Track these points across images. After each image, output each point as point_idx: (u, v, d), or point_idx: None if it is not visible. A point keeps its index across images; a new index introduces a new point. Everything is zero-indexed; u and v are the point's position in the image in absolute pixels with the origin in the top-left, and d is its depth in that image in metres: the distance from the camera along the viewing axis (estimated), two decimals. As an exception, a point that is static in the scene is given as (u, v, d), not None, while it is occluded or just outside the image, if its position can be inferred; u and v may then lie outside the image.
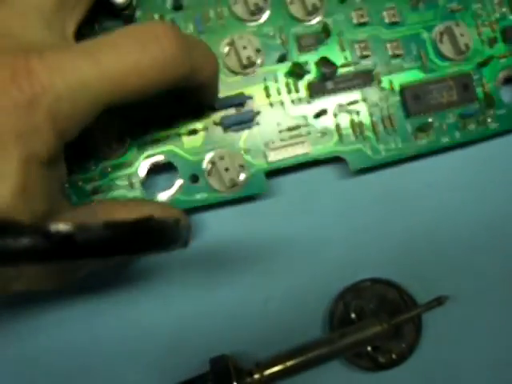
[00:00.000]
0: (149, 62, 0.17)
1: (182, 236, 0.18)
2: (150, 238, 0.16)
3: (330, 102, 0.25)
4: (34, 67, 0.16)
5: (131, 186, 0.24)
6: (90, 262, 0.20)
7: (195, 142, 0.24)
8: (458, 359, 0.25)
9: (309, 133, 0.25)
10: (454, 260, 0.26)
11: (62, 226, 0.14)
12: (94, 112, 0.17)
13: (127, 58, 0.17)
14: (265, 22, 0.25)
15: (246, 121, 0.24)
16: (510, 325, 0.26)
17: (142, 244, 0.16)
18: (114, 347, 0.24)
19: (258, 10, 0.25)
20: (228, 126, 0.24)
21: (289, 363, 0.23)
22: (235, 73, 0.25)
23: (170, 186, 0.24)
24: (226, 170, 0.24)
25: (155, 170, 0.24)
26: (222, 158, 0.24)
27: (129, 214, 0.20)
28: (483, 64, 0.26)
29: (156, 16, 0.24)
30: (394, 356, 0.25)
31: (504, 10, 0.27)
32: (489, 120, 0.26)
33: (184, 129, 0.24)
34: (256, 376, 0.22)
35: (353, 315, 0.25)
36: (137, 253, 0.16)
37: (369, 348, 0.24)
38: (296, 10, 0.25)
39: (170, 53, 0.18)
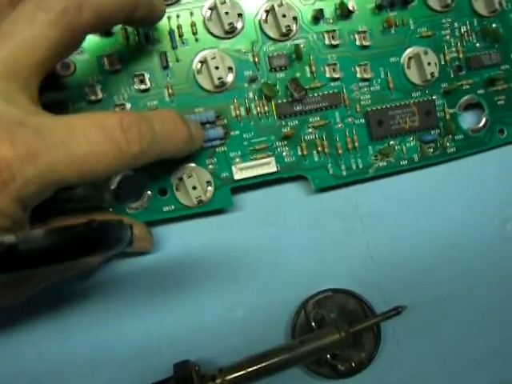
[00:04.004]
0: (115, 154, 0.19)
1: (127, 235, 0.18)
2: (92, 241, 0.16)
3: (296, 123, 0.26)
4: (5, 155, 0.17)
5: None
6: (40, 270, 0.21)
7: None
8: (415, 368, 0.27)
9: (275, 152, 0.26)
10: (413, 272, 0.28)
11: (5, 238, 0.14)
12: (56, 188, 0.19)
13: (97, 148, 0.18)
14: (238, 39, 0.25)
15: (215, 138, 0.25)
16: (467, 334, 0.28)
17: (85, 247, 0.16)
18: (81, 355, 0.26)
19: (232, 29, 0.25)
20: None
21: (250, 369, 0.24)
22: (207, 91, 0.25)
23: (140, 198, 0.25)
24: (194, 188, 0.25)
25: (126, 182, 0.25)
26: (189, 176, 0.25)
27: None
28: (448, 92, 0.27)
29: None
30: (353, 364, 0.26)
31: (471, 39, 0.27)
32: (447, 145, 0.28)
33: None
34: (218, 381, 0.24)
35: (313, 324, 0.26)
36: (82, 256, 0.17)
37: (328, 356, 0.26)
38: (270, 29, 0.26)
39: (135, 149, 0.19)
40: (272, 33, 0.26)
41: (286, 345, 0.25)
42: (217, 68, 0.25)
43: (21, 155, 0.17)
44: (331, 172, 0.27)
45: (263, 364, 0.25)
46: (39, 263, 0.15)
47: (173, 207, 0.25)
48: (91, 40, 0.24)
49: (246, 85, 0.26)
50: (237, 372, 0.24)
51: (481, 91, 0.28)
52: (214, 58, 0.25)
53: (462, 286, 0.28)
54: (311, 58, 0.26)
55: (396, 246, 0.28)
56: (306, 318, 0.26)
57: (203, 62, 0.25)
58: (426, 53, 0.26)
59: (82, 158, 0.18)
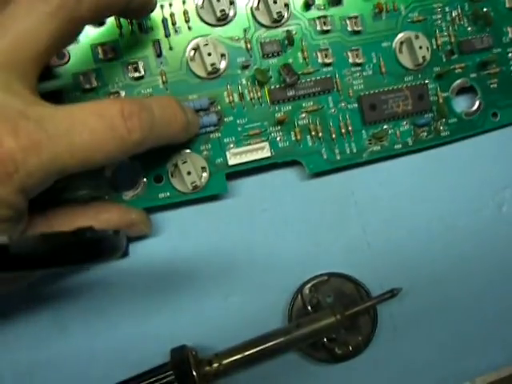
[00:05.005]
0: (116, 142, 0.19)
1: (121, 246, 0.18)
2: (86, 250, 0.17)
3: (289, 108, 0.26)
4: (9, 147, 0.17)
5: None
6: (26, 273, 0.21)
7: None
8: (412, 351, 0.28)
9: (269, 137, 0.26)
10: (409, 256, 0.28)
11: None
12: (57, 178, 0.19)
13: (98, 137, 0.19)
14: (231, 27, 0.26)
15: (209, 124, 0.25)
16: (464, 317, 0.28)
17: (77, 256, 0.17)
18: (79, 344, 0.26)
19: (224, 16, 0.25)
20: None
21: (246, 353, 0.25)
22: (200, 77, 0.25)
23: (135, 186, 0.25)
24: (189, 173, 0.25)
25: (121, 169, 0.25)
26: (184, 161, 0.25)
27: (84, 223, 0.22)
28: (440, 76, 0.27)
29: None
30: (350, 348, 0.26)
31: (462, 23, 0.28)
32: (441, 128, 0.28)
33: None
34: (215, 365, 0.24)
35: (309, 308, 0.26)
36: (74, 264, 0.17)
37: (325, 340, 0.26)
38: (262, 16, 0.26)
39: (136, 136, 0.20)
40: (264, 19, 0.26)
41: (282, 328, 0.25)
42: (209, 54, 0.25)
43: (24, 147, 0.17)
44: (325, 156, 0.27)
45: (259, 348, 0.25)
46: (28, 267, 0.15)
47: (168, 194, 0.26)
48: (85, 30, 0.24)
49: (238, 71, 0.26)
50: (233, 356, 0.25)
51: (473, 75, 0.28)
52: (206, 45, 0.25)
53: (459, 269, 0.28)
54: (303, 43, 0.26)
55: (391, 230, 0.28)
56: (303, 303, 0.27)
57: (196, 49, 0.25)
58: (417, 37, 0.26)
59: (83, 148, 0.19)
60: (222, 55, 0.26)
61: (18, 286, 0.23)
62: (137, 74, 0.25)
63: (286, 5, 0.26)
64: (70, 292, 0.26)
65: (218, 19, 0.25)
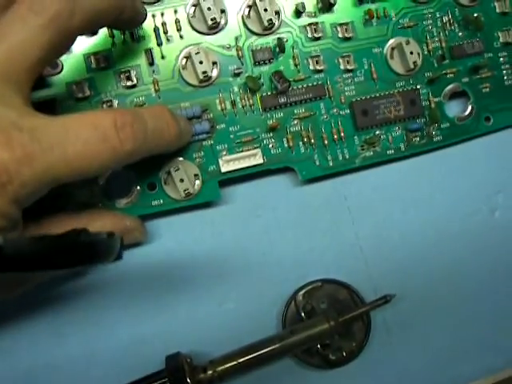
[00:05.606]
0: (109, 153, 0.19)
1: (115, 250, 0.19)
2: (79, 252, 0.17)
3: (281, 115, 0.26)
4: (2, 158, 0.17)
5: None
6: (25, 274, 0.21)
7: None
8: (406, 356, 0.28)
9: (261, 144, 0.26)
10: (402, 261, 0.28)
11: None
12: (51, 187, 0.19)
13: (91, 148, 0.19)
14: (222, 35, 0.26)
15: (202, 132, 0.26)
16: (457, 322, 0.28)
17: (70, 257, 0.17)
18: (76, 350, 0.26)
19: (216, 25, 0.25)
20: (184, 136, 0.25)
21: (241, 359, 0.25)
22: (192, 86, 0.26)
23: (129, 193, 0.26)
24: (181, 180, 0.25)
25: (114, 177, 0.26)
26: (177, 169, 0.25)
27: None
28: (432, 81, 0.27)
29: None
30: (344, 354, 0.26)
31: (453, 28, 0.28)
32: (433, 133, 0.28)
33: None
34: (209, 372, 0.24)
35: (303, 314, 0.26)
36: (67, 266, 0.17)
37: (319, 346, 0.26)
38: (253, 24, 0.26)
39: (129, 147, 0.20)
40: (255, 27, 0.26)
41: (275, 335, 0.26)
42: (201, 63, 0.25)
43: (17, 158, 0.18)
44: (318, 163, 0.27)
45: (254, 354, 0.25)
46: (22, 268, 0.16)
47: (161, 201, 0.26)
48: (77, 39, 0.24)
49: (230, 79, 0.26)
50: (228, 363, 0.25)
51: (465, 79, 0.28)
52: (198, 53, 0.25)
53: (452, 274, 0.28)
54: (294, 50, 0.26)
55: (385, 235, 0.28)
56: (297, 309, 0.27)
57: (188, 57, 0.25)
58: (407, 42, 0.27)
59: (76, 158, 0.19)
60: (214, 63, 0.26)
61: (13, 294, 0.23)
62: (129, 83, 0.25)
63: (277, 12, 0.26)
64: (65, 298, 0.26)
65: (210, 28, 0.26)
